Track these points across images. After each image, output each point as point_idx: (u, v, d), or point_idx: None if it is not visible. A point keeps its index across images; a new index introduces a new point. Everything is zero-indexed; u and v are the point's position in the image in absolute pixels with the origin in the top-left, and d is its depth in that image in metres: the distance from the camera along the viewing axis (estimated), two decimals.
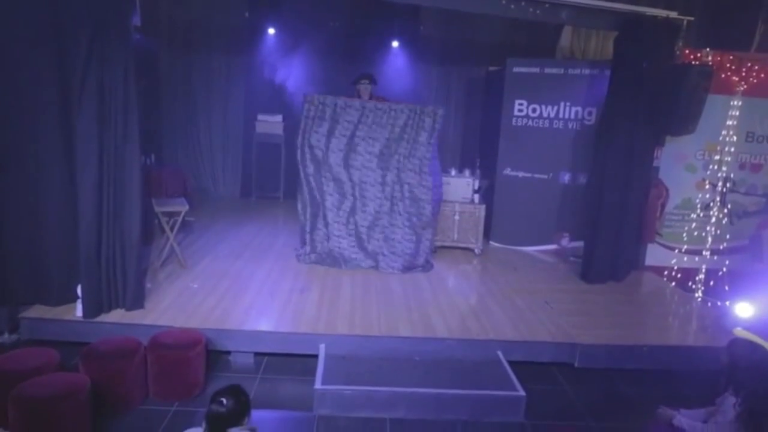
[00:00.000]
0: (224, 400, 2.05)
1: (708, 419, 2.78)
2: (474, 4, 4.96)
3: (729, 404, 2.62)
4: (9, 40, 3.81)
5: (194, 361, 3.59)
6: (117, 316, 4.13)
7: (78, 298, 4.05)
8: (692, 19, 5.46)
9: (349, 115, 5.44)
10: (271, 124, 8.49)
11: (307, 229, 5.70)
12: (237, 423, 2.09)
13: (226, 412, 2.04)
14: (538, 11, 5.01)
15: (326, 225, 5.64)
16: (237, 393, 2.13)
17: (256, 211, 8.09)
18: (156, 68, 8.05)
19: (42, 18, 3.83)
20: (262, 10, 8.35)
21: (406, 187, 5.57)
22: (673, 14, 5.40)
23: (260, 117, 8.49)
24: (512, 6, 4.94)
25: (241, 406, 2.11)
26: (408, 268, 5.63)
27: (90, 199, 3.97)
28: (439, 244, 6.34)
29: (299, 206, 5.71)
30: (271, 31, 8.37)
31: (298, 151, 5.53)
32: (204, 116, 8.79)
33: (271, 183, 8.78)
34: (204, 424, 2.06)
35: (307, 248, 5.72)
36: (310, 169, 5.54)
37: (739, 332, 3.63)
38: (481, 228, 6.33)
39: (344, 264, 5.63)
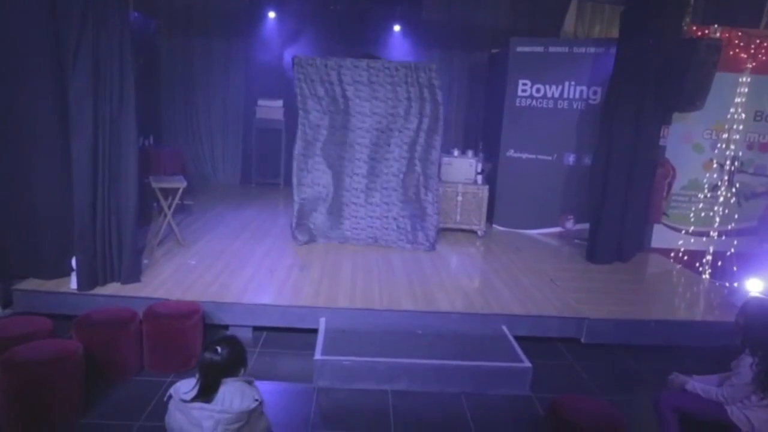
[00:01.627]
0: (219, 348, 1.96)
1: (722, 384, 2.68)
2: None
3: (746, 365, 2.52)
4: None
5: (190, 332, 3.50)
6: (112, 289, 4.04)
7: (73, 270, 3.96)
8: None
9: (344, 75, 5.30)
10: (271, 109, 8.37)
11: (301, 198, 5.54)
12: (232, 373, 1.99)
13: (221, 361, 1.94)
14: None
15: (326, 194, 5.51)
16: (233, 342, 2.04)
17: (255, 196, 7.99)
18: (154, 51, 7.95)
19: None
20: None
21: (417, 148, 5.47)
22: None
23: (260, 102, 8.37)
24: None
25: (237, 356, 2.02)
26: (410, 242, 5.54)
27: (85, 170, 3.87)
28: (441, 225, 6.23)
29: (296, 176, 5.54)
30: (272, 14, 8.28)
31: (300, 113, 5.39)
32: (203, 101, 8.68)
33: (272, 169, 8.66)
34: (197, 375, 1.96)
35: (302, 221, 5.57)
36: (309, 135, 5.41)
37: (755, 294, 3.55)
38: (484, 209, 6.23)
39: (340, 237, 5.50)
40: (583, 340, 4.13)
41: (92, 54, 3.81)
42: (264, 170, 8.67)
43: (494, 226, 6.78)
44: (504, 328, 4.00)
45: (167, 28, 8.18)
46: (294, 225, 5.58)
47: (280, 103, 8.38)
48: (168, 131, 8.50)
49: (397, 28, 8.41)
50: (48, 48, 3.85)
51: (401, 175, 5.54)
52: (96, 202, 3.95)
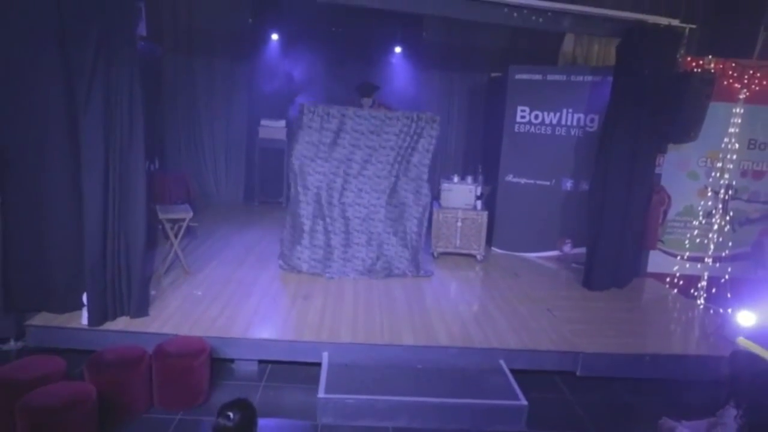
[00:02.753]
0: (231, 414, 2.07)
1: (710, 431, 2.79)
2: (477, 13, 4.98)
3: (730, 417, 2.62)
4: (16, 47, 3.84)
5: (199, 370, 3.61)
6: (122, 323, 4.16)
7: (83, 305, 4.09)
8: (694, 26, 5.47)
9: (344, 124, 5.44)
10: (274, 129, 8.51)
11: (294, 237, 5.60)
12: None
13: (233, 427, 2.06)
14: (540, 20, 5.03)
15: (318, 232, 5.60)
16: (244, 407, 2.15)
17: (259, 215, 8.11)
18: (159, 73, 8.10)
19: (48, 25, 3.85)
20: (265, 16, 8.39)
21: (402, 194, 5.62)
22: (675, 22, 5.41)
23: (263, 122, 8.51)
24: (515, 14, 4.97)
25: (248, 421, 2.13)
26: (389, 275, 5.67)
27: (95, 205, 4.01)
28: (441, 250, 6.38)
29: (290, 215, 5.65)
30: (275, 37, 8.41)
31: (294, 161, 5.50)
32: (207, 121, 8.80)
33: (274, 188, 8.80)
34: None
35: (296, 254, 5.62)
36: (309, 180, 5.51)
37: (742, 342, 3.66)
38: (483, 234, 6.34)
39: (329, 272, 5.56)
40: (578, 373, 4.24)
41: (103, 93, 3.95)
42: (267, 189, 8.80)
43: (493, 248, 6.90)
44: (501, 362, 4.11)
45: (171, 48, 8.32)
46: (280, 255, 5.69)
47: (282, 123, 8.52)
48: (172, 150, 8.65)
49: (398, 49, 8.54)
50: (60, 86, 3.97)
51: (388, 222, 5.69)
52: (106, 237, 4.09)
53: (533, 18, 5.01)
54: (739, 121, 5.84)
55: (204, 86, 8.72)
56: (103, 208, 4.05)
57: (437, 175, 7.80)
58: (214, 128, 8.84)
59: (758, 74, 5.84)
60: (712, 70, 5.71)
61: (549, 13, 5.04)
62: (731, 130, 5.87)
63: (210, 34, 8.46)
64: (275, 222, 7.82)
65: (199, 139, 8.86)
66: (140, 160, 4.16)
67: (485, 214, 6.32)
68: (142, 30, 4.17)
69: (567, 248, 6.67)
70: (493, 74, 7.73)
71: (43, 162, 4.04)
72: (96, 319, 4.06)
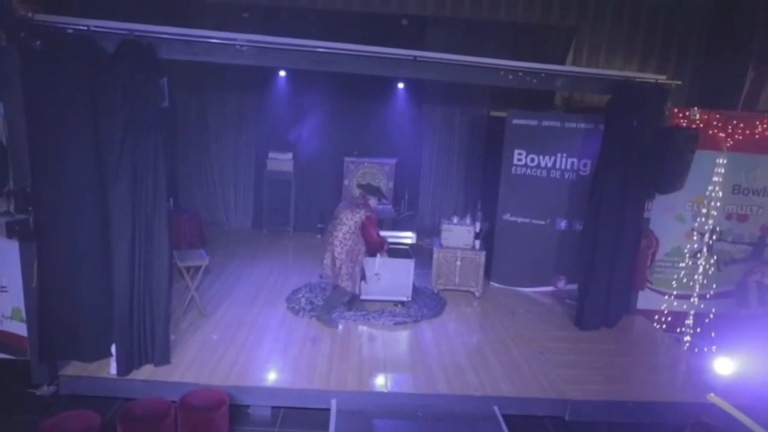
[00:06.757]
0: None
1: None
2: (475, 77, 5.32)
3: None
4: (52, 120, 4.21)
5: (219, 421, 3.97)
6: (146, 372, 4.52)
7: (112, 356, 4.45)
8: (680, 83, 5.79)
9: None
10: (281, 161, 8.89)
11: None
12: None
13: None
14: (534, 80, 5.36)
15: None
16: None
17: (267, 245, 8.48)
18: (171, 107, 8.42)
19: (83, 104, 4.22)
20: None
21: None
22: (662, 78, 5.74)
23: (271, 155, 8.89)
24: (510, 77, 5.30)
25: None
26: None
27: (124, 266, 4.38)
28: (442, 287, 6.73)
29: None
30: (282, 73, 8.76)
31: None
32: (217, 153, 9.20)
33: (282, 217, 9.18)
34: None
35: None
36: None
37: (713, 399, 3.97)
38: (481, 272, 6.69)
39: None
40: (567, 418, 4.59)
41: (131, 163, 4.31)
42: (275, 218, 9.19)
43: (492, 282, 7.25)
44: (495, 408, 4.46)
45: (182, 84, 8.68)
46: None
47: (289, 155, 8.90)
48: (184, 182, 9.03)
49: (400, 85, 8.89)
50: (92, 157, 4.32)
51: None
52: (133, 295, 4.45)
53: (528, 79, 5.33)
54: (723, 170, 6.18)
55: (214, 119, 9.12)
56: (130, 269, 4.41)
57: (438, 212, 8.13)
58: (223, 160, 9.24)
59: (741, 124, 6.17)
60: (698, 121, 6.06)
61: (543, 74, 5.37)
62: (715, 178, 6.21)
63: (219, 70, 8.77)
64: (282, 253, 8.24)
65: (209, 170, 9.25)
66: (163, 221, 4.49)
67: (483, 253, 6.67)
68: (165, 103, 4.54)
69: (561, 284, 7.02)
70: (493, 112, 8.07)
71: (77, 224, 4.40)
72: (124, 369, 4.43)
